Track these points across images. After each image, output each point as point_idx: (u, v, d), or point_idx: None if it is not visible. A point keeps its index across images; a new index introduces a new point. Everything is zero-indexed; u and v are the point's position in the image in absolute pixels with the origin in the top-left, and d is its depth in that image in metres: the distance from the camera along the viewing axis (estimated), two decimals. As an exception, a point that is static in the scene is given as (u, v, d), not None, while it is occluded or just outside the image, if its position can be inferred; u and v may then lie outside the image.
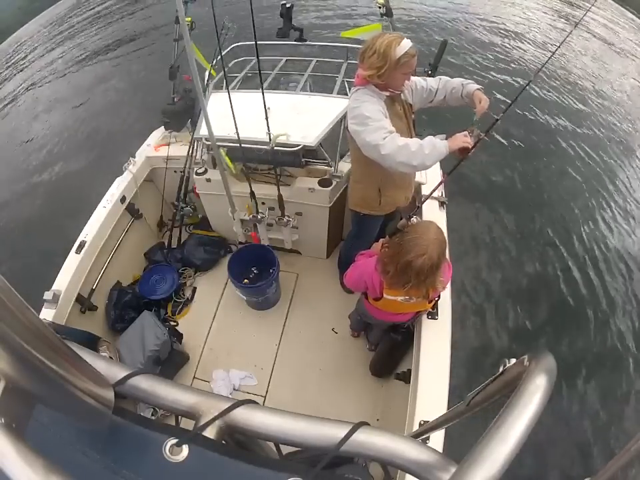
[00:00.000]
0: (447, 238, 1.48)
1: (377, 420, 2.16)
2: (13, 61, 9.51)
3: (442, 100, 1.84)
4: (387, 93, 1.66)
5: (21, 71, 8.77)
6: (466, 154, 1.56)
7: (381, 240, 1.72)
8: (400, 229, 1.51)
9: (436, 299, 1.75)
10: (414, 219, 1.54)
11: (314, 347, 2.49)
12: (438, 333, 1.73)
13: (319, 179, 2.30)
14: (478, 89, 1.72)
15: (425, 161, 1.54)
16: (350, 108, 1.68)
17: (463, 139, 1.54)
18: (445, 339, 1.72)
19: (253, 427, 0.53)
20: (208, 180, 2.38)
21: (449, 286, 1.79)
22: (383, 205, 2.00)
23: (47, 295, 1.90)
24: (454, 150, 1.55)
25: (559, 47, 1.77)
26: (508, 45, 7.49)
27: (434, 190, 1.81)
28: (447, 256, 1.50)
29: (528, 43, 7.76)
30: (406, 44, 1.52)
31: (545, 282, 3.53)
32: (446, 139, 1.57)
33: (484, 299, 3.34)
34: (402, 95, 1.75)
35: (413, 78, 1.73)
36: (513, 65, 6.73)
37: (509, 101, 1.58)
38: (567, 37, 1.86)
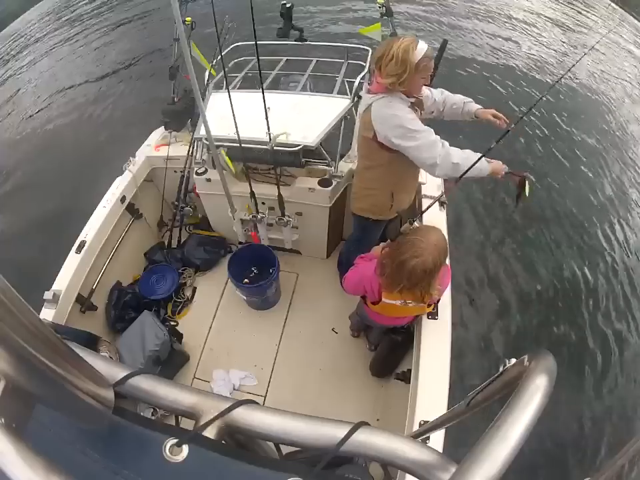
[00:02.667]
0: (447, 237, 1.47)
1: (377, 420, 2.16)
2: (11, 52, 9.46)
3: (440, 112, 1.86)
4: (412, 100, 1.64)
5: (19, 61, 8.73)
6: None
7: (382, 244, 1.72)
8: (403, 233, 1.51)
9: (435, 302, 1.75)
10: (416, 224, 1.55)
11: (314, 347, 2.49)
12: (438, 332, 1.73)
13: (319, 178, 2.30)
14: (479, 109, 1.79)
15: (460, 174, 1.60)
16: (384, 117, 1.62)
17: (503, 168, 1.65)
18: (445, 339, 1.71)
19: (252, 427, 0.53)
20: (208, 180, 2.38)
21: (449, 285, 1.79)
22: (394, 209, 1.99)
23: (47, 295, 1.89)
24: (491, 174, 1.64)
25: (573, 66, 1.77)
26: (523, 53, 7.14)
27: (439, 197, 1.92)
28: (447, 257, 1.49)
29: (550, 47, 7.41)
30: (422, 46, 1.49)
31: (545, 282, 3.53)
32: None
33: (485, 299, 3.34)
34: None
35: None
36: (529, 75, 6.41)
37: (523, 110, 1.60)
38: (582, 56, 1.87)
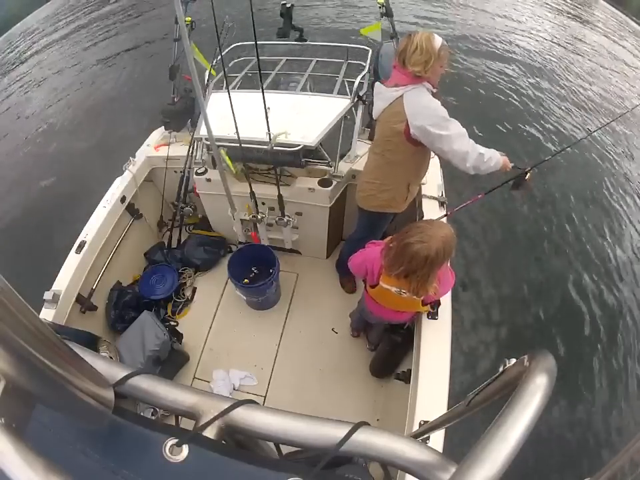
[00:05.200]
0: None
1: (377, 420, 2.16)
2: (13, 53, 9.46)
3: None
4: (435, 90, 1.70)
5: (21, 63, 8.75)
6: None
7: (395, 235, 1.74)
8: None
9: (434, 302, 1.75)
10: None
11: (314, 347, 2.48)
12: (438, 332, 1.73)
13: (319, 179, 2.30)
14: None
15: (486, 171, 1.72)
16: (421, 105, 1.65)
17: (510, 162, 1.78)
18: (445, 339, 1.71)
19: (252, 427, 0.53)
20: (208, 180, 2.38)
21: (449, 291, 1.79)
22: (408, 200, 2.04)
23: (47, 295, 1.89)
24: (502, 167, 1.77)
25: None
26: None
27: (467, 204, 2.04)
28: (450, 257, 1.50)
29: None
30: (438, 37, 1.58)
31: (546, 282, 3.54)
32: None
33: (485, 298, 3.34)
34: None
35: None
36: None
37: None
38: None
